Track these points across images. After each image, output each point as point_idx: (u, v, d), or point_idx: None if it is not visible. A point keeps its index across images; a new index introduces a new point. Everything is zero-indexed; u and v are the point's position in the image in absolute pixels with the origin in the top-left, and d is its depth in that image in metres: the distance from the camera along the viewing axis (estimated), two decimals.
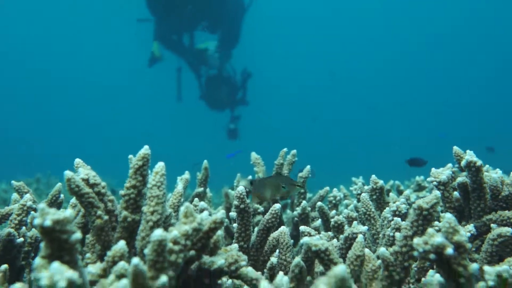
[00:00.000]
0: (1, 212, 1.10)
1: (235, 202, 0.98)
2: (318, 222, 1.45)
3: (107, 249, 0.82)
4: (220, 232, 0.84)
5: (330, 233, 1.24)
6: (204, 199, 1.75)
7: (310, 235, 1.10)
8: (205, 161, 1.73)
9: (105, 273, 0.73)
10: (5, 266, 0.90)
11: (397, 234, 0.81)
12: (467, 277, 0.68)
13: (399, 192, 1.86)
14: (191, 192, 1.79)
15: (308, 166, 1.68)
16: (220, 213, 0.81)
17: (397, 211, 1.13)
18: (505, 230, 0.93)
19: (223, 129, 6.80)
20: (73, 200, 1.10)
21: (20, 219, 1.04)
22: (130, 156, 0.90)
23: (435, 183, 1.09)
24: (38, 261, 0.57)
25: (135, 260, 0.57)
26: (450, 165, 1.21)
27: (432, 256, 0.68)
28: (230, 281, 0.92)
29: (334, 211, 1.38)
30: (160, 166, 0.79)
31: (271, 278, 1.04)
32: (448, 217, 0.69)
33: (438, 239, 0.67)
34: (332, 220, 1.19)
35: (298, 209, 1.42)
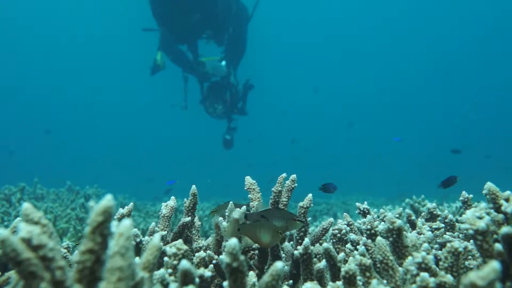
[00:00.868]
0: None
1: (226, 260, 0.78)
2: (322, 264, 1.25)
3: None
4: None
5: (339, 284, 1.04)
6: (192, 229, 1.54)
7: None
8: (193, 186, 1.53)
9: None
10: None
11: None
12: None
13: (410, 223, 1.67)
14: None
15: (310, 195, 1.48)
16: None
17: (423, 263, 0.93)
18: None
19: (219, 138, 6.96)
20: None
21: None
22: (91, 203, 0.69)
23: (471, 231, 0.90)
24: None
25: None
26: (484, 205, 1.02)
27: None
28: None
29: (342, 255, 1.17)
30: (125, 226, 0.59)
31: None
32: None
33: None
34: (342, 269, 0.99)
35: (300, 249, 1.22)
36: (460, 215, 3.09)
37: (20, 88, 28.91)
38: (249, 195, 1.52)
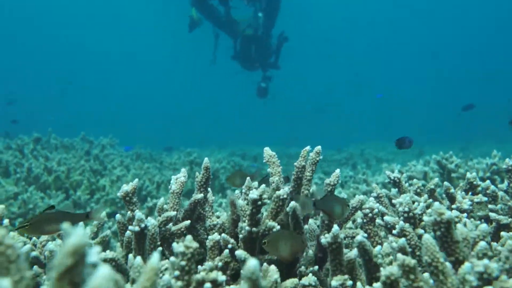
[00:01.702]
0: None
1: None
2: (354, 253, 1.10)
3: None
4: None
5: (377, 286, 0.88)
6: (205, 206, 1.39)
7: None
8: (206, 159, 1.36)
9: None
10: None
11: None
12: None
13: (449, 197, 1.49)
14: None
15: (338, 171, 1.31)
16: None
17: (485, 273, 0.76)
18: None
19: (254, 87, 6.97)
20: None
21: None
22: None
23: None
24: None
25: None
26: None
27: None
28: None
29: (378, 248, 1.01)
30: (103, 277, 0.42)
31: None
32: None
33: None
34: (382, 273, 0.83)
35: (328, 237, 1.05)
36: (492, 173, 2.90)
37: (38, 38, 28.76)
38: (269, 169, 1.34)
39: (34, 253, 1.21)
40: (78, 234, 0.44)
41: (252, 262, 0.60)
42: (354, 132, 14.20)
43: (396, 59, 29.52)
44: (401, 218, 1.19)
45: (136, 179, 1.24)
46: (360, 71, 23.92)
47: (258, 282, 0.61)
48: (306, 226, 1.34)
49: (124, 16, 28.31)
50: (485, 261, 0.77)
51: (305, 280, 1.10)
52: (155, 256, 0.62)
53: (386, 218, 1.21)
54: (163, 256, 1.26)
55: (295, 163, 1.28)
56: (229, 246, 1.22)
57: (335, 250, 1.07)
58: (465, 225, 1.21)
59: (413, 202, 1.34)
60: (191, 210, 1.35)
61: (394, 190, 1.96)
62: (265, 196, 1.18)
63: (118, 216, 1.27)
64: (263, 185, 1.19)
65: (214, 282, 0.86)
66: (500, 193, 1.48)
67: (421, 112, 19.94)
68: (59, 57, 28.95)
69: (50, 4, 26.59)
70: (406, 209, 1.16)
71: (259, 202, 1.17)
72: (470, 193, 1.56)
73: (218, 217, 1.43)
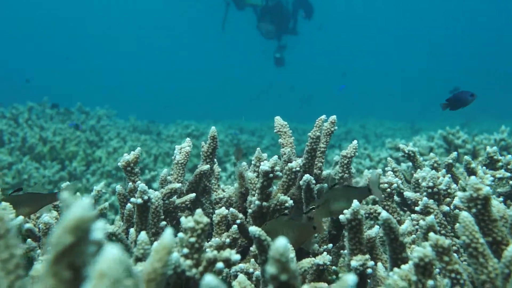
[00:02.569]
0: None
1: (272, 271, 0.52)
2: (374, 231, 1.01)
3: None
4: None
5: (406, 268, 0.80)
6: (210, 178, 1.30)
7: None
8: (213, 128, 1.26)
9: None
10: None
11: None
12: None
13: (469, 171, 1.40)
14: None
15: (355, 142, 1.22)
16: None
17: None
18: None
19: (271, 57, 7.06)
20: None
21: None
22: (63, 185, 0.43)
23: None
24: None
25: None
26: None
27: None
28: None
29: (405, 225, 0.92)
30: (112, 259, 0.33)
31: None
32: None
33: None
34: (415, 254, 0.74)
35: (347, 213, 0.96)
36: (500, 149, 2.82)
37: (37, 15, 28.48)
38: (280, 140, 1.25)
39: (27, 225, 1.13)
40: (81, 205, 0.35)
41: (281, 242, 0.51)
42: (353, 107, 14.15)
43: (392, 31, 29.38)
44: (424, 193, 1.10)
45: (138, 148, 1.14)
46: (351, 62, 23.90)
47: (288, 264, 0.52)
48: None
49: None
50: None
51: (319, 259, 1.02)
52: (168, 232, 0.53)
53: (406, 193, 1.13)
54: None
55: (309, 133, 1.19)
56: (238, 221, 1.14)
57: (354, 227, 0.98)
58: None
59: None
60: (196, 182, 1.26)
61: (404, 165, 1.87)
62: (277, 168, 1.09)
63: (118, 187, 1.18)
64: (275, 156, 1.10)
65: (227, 261, 0.78)
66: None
67: (418, 89, 19.89)
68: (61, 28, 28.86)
69: None
70: (431, 184, 1.08)
71: (271, 175, 1.08)
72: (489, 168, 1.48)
73: (223, 190, 1.34)
